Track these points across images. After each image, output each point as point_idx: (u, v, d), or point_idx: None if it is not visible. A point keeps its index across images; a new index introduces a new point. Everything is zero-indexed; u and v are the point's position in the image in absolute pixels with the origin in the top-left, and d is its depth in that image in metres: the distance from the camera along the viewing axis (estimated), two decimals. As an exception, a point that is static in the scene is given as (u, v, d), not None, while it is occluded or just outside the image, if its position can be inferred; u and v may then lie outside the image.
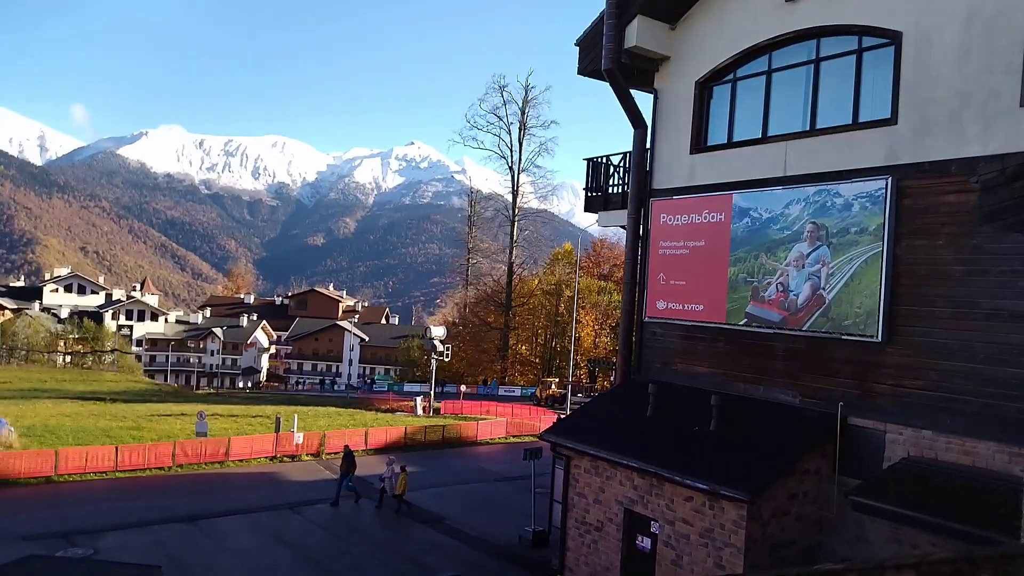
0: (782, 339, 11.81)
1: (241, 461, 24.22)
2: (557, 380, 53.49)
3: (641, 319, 14.48)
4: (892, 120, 10.57)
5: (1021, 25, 9.22)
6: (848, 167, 11.03)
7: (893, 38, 10.66)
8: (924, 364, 9.95)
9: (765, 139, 12.55)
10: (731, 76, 13.37)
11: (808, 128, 11.92)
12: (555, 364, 62.24)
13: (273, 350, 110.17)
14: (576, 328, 53.50)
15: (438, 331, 44.27)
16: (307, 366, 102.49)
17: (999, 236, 8.81)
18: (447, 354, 44.03)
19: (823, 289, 11.12)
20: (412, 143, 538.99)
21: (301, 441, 25.93)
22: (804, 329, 11.35)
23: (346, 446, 21.78)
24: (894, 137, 10.51)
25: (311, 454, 25.94)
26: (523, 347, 66.54)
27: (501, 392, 56.03)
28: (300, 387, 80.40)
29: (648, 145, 14.60)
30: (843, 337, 10.83)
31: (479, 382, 60.10)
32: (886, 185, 10.41)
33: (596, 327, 62.42)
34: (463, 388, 52.23)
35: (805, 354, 11.50)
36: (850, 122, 11.28)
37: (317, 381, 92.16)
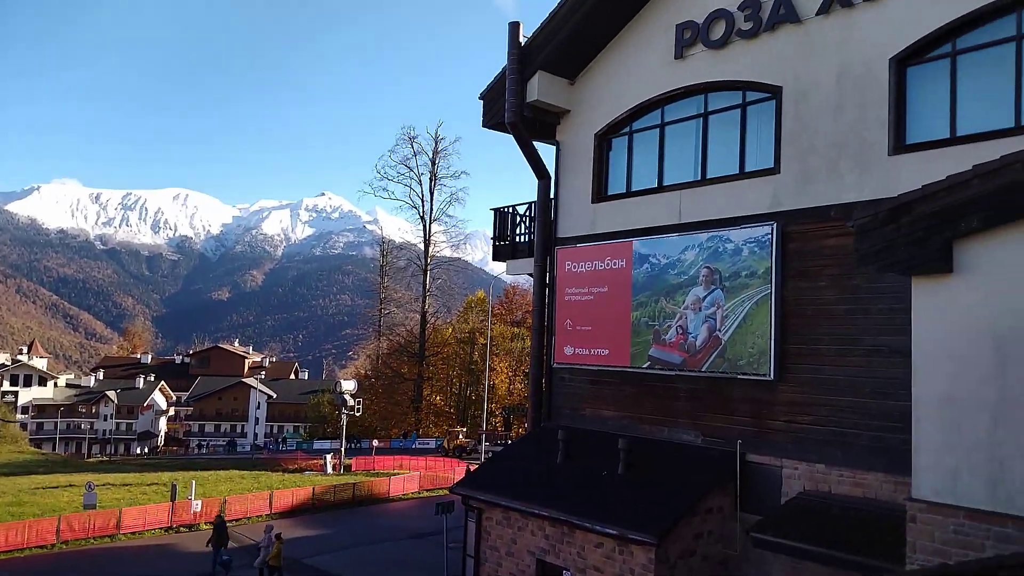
0: (683, 380, 12.10)
1: (134, 534, 22.57)
2: (464, 429, 52.92)
3: (550, 365, 14.56)
4: (776, 169, 11.21)
5: (883, 81, 10.03)
6: (737, 214, 11.58)
7: (774, 93, 11.38)
8: (814, 400, 10.39)
9: (661, 188, 13.05)
10: (627, 129, 13.91)
11: (699, 178, 12.49)
12: (470, 413, 61.68)
13: (172, 412, 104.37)
14: (491, 376, 53.40)
15: (349, 385, 43.18)
16: (209, 427, 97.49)
17: (876, 276, 9.39)
18: (358, 408, 42.91)
19: (719, 331, 11.52)
20: (322, 194, 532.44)
21: (200, 509, 24.43)
22: (703, 370, 11.68)
23: (219, 515, 19.97)
24: (778, 185, 11.13)
25: (210, 522, 24.45)
26: (438, 397, 65.69)
27: (416, 445, 54.88)
28: (202, 450, 76.25)
29: (552, 195, 14.93)
30: (739, 376, 11.21)
31: (392, 435, 58.73)
32: (772, 231, 10.97)
33: (510, 374, 62.45)
34: (376, 443, 50.88)
35: (705, 394, 11.82)
36: (737, 172, 11.89)
37: (221, 443, 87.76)
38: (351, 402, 41.35)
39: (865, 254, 7.71)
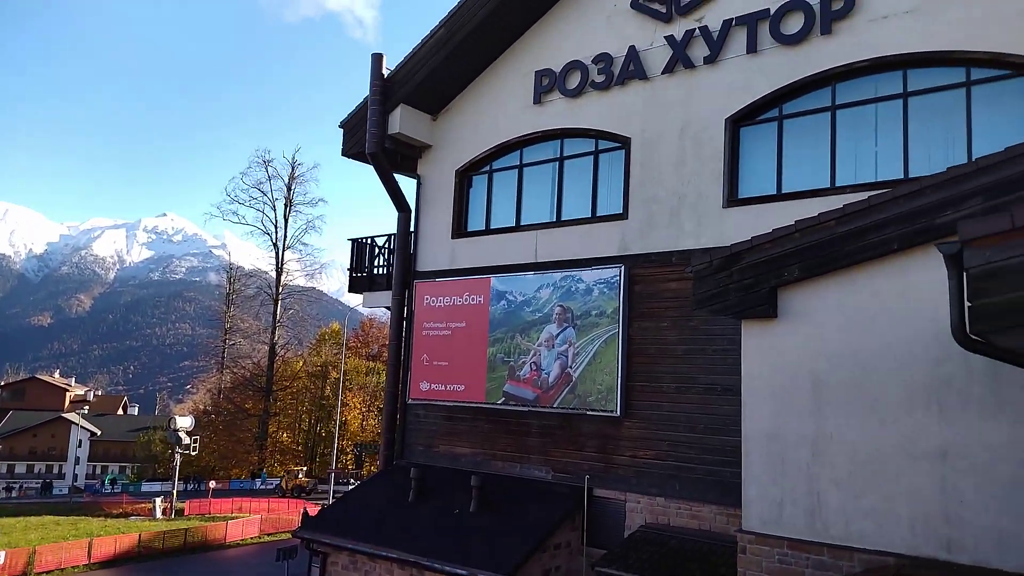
0: (536, 416, 12.32)
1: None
2: (304, 468, 50.80)
3: (405, 401, 14.33)
4: (624, 215, 11.81)
5: (719, 139, 10.91)
6: (589, 255, 12.06)
7: (624, 143, 12.05)
8: (655, 435, 10.91)
9: (519, 227, 13.37)
10: (488, 167, 14.18)
11: (555, 219, 12.93)
12: (319, 451, 59.29)
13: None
14: (343, 411, 51.74)
15: (185, 421, 40.18)
16: (21, 467, 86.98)
17: (711, 319, 10.06)
18: (195, 446, 40.02)
19: (570, 368, 11.87)
20: (165, 215, 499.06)
21: (3, 561, 21.65)
22: (555, 406, 11.96)
23: (25, 571, 18.04)
24: (626, 230, 11.73)
25: None
26: (284, 435, 62.60)
27: (262, 485, 51.82)
28: (11, 493, 67.85)
29: (412, 228, 14.87)
30: (588, 412, 11.57)
31: (233, 476, 55.18)
32: (620, 273, 11.51)
33: (364, 409, 60.82)
34: (213, 484, 47.56)
35: (556, 430, 12.08)
36: (590, 215, 12.42)
37: (36, 485, 78.52)
38: (187, 440, 38.48)
39: (701, 298, 8.24)
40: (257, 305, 63.38)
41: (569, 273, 12.16)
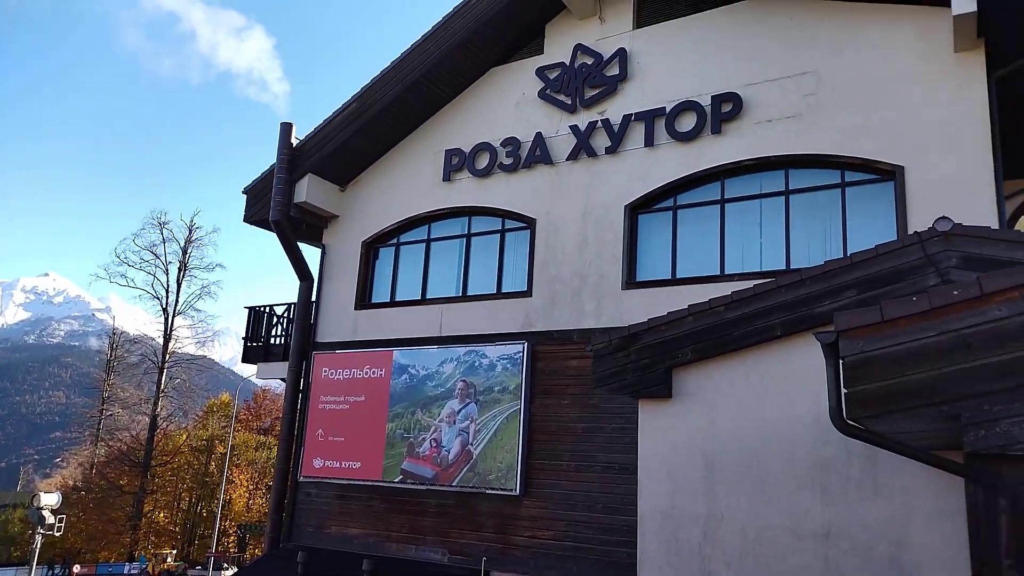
0: (434, 495, 12.00)
1: None
2: (174, 552, 47.23)
3: (296, 478, 13.67)
4: (528, 292, 12.02)
5: (619, 224, 11.39)
6: (493, 331, 12.14)
7: (529, 223, 12.38)
8: (554, 515, 10.83)
9: (424, 301, 13.34)
10: (395, 240, 14.19)
11: (461, 294, 13.00)
12: (200, 532, 55.26)
13: None
14: (228, 489, 48.70)
15: (50, 498, 36.43)
16: None
17: (610, 398, 10.25)
18: (60, 526, 36.43)
19: (471, 445, 11.72)
20: (46, 274, 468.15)
21: None
22: (454, 485, 11.71)
23: None
24: (530, 307, 11.92)
25: None
26: (161, 514, 58.02)
27: (126, 571, 47.45)
28: None
29: (314, 298, 14.56)
30: (487, 491, 11.39)
31: (101, 559, 50.42)
32: (523, 349, 11.62)
33: (251, 487, 57.46)
34: (77, 568, 43.29)
35: (454, 510, 11.79)
36: (495, 292, 12.58)
37: None
38: (51, 519, 35.00)
39: (600, 377, 8.40)
40: (140, 373, 59.48)
41: (473, 348, 12.17)
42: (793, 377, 7.20)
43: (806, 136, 10.18)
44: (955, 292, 4.60)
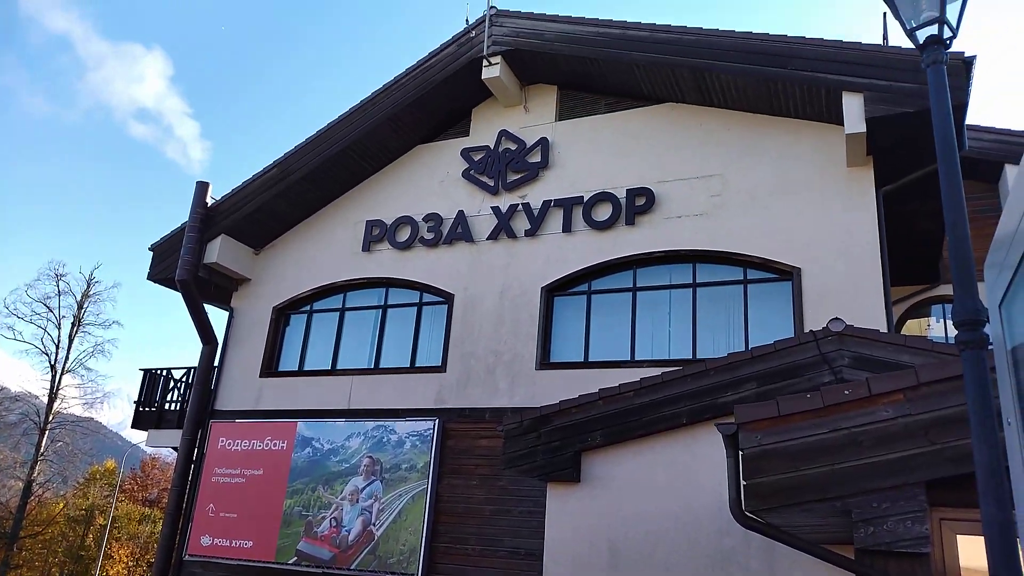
0: (331, 579, 11.40)
1: None
2: None
3: (181, 557, 12.74)
4: (442, 368, 11.92)
5: (535, 305, 11.55)
6: (404, 406, 11.92)
7: (447, 298, 12.39)
8: (456, 602, 10.45)
9: (334, 371, 13.00)
10: (308, 307, 13.89)
11: (373, 366, 12.75)
12: (67, 613, 50.20)
13: None
14: (104, 565, 44.75)
15: None
16: None
17: (518, 480, 10.15)
18: (-100, 606, 32.42)
19: (373, 525, 11.27)
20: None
21: None
22: (352, 568, 11.17)
23: None
24: (443, 383, 11.80)
25: None
26: (26, 592, 52.68)
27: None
28: None
29: (217, 363, 13.96)
30: (388, 575, 10.92)
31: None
32: (434, 426, 11.42)
33: (132, 564, 53.04)
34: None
35: (352, 595, 11.21)
36: (408, 365, 12.41)
37: None
38: None
39: (511, 458, 8.33)
40: (18, 434, 54.85)
41: (382, 423, 11.87)
42: (697, 466, 7.34)
43: (712, 233, 10.74)
44: (846, 392, 4.86)
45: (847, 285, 9.62)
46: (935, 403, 4.69)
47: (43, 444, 50.22)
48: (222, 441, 13.04)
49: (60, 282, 52.92)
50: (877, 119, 9.28)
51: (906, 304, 13.59)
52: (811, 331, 7.08)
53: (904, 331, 13.57)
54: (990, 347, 2.74)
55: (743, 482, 4.90)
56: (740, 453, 4.91)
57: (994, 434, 3.05)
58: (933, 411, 4.68)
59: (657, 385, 7.65)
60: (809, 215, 10.22)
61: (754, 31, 10.50)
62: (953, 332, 11.71)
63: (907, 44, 8.19)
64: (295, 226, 14.28)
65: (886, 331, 8.91)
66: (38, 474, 50.22)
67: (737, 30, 10.54)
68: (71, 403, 54.18)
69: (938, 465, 4.56)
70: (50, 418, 50.85)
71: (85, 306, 53.37)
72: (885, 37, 12.26)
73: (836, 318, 6.97)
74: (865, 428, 4.81)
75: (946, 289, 13.25)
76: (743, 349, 9.77)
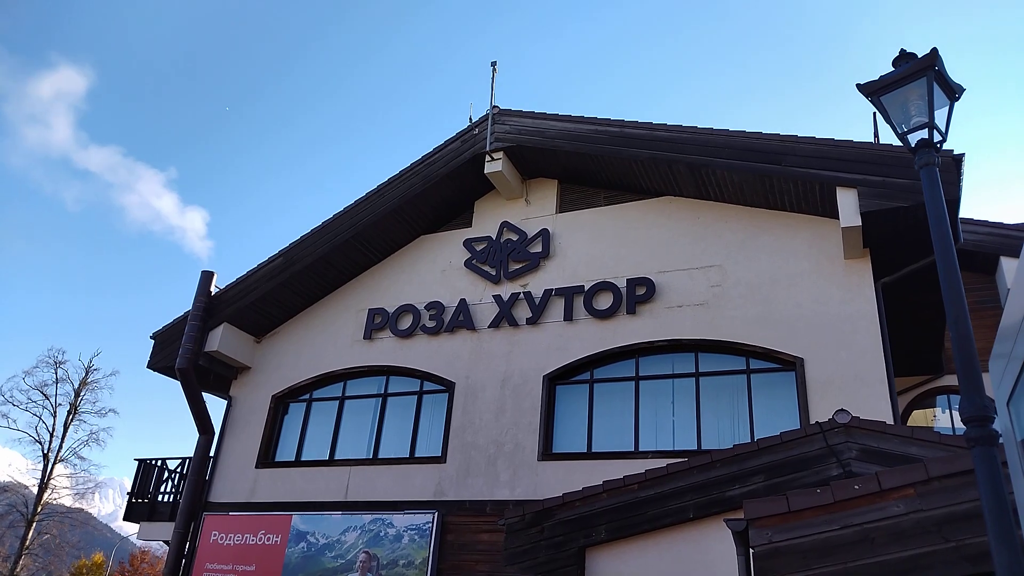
0: None
1: None
2: None
3: (165, 660, 12.14)
4: (442, 458, 11.71)
5: (537, 393, 11.46)
6: (402, 498, 11.63)
7: (448, 387, 12.30)
8: None
9: (332, 462, 12.77)
10: (308, 396, 13.78)
11: (371, 456, 12.53)
12: None
13: None
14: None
15: None
16: None
17: (520, 577, 9.78)
18: None
19: (369, 626, 10.79)
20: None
21: None
22: (346, 672, 10.63)
23: None
24: (443, 474, 11.56)
25: None
26: None
27: None
28: None
29: (212, 453, 13.72)
30: None
31: None
32: (433, 520, 11.11)
33: (111, 667, 50.36)
34: None
35: None
36: (407, 456, 12.19)
37: None
38: None
39: (512, 554, 8.10)
40: (4, 527, 53.22)
41: (380, 516, 11.55)
42: (705, 563, 7.11)
43: (713, 323, 10.78)
44: (856, 487, 4.78)
45: (851, 375, 9.58)
46: (947, 498, 4.61)
47: (29, 536, 48.64)
48: (214, 535, 12.66)
49: (59, 369, 52.62)
50: (872, 213, 9.49)
51: (911, 395, 13.49)
52: (817, 422, 7.01)
53: (910, 422, 13.41)
54: (1000, 442, 2.72)
55: (755, 581, 4.75)
56: (751, 551, 4.78)
57: (1012, 533, 2.98)
58: (945, 506, 4.59)
59: (662, 478, 7.51)
60: (809, 306, 10.29)
61: (748, 130, 10.88)
62: (960, 423, 11.58)
63: (898, 141, 8.49)
64: (297, 314, 14.35)
65: (892, 423, 8.82)
66: (21, 569, 48.42)
67: (732, 128, 10.92)
68: (62, 493, 52.77)
69: (954, 564, 4.44)
70: (39, 509, 49.45)
71: (82, 394, 52.82)
72: (876, 134, 12.68)
73: (842, 409, 6.92)
74: (877, 524, 4.70)
75: (951, 379, 13.18)
76: (748, 440, 9.65)
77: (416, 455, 12.15)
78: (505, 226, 13.13)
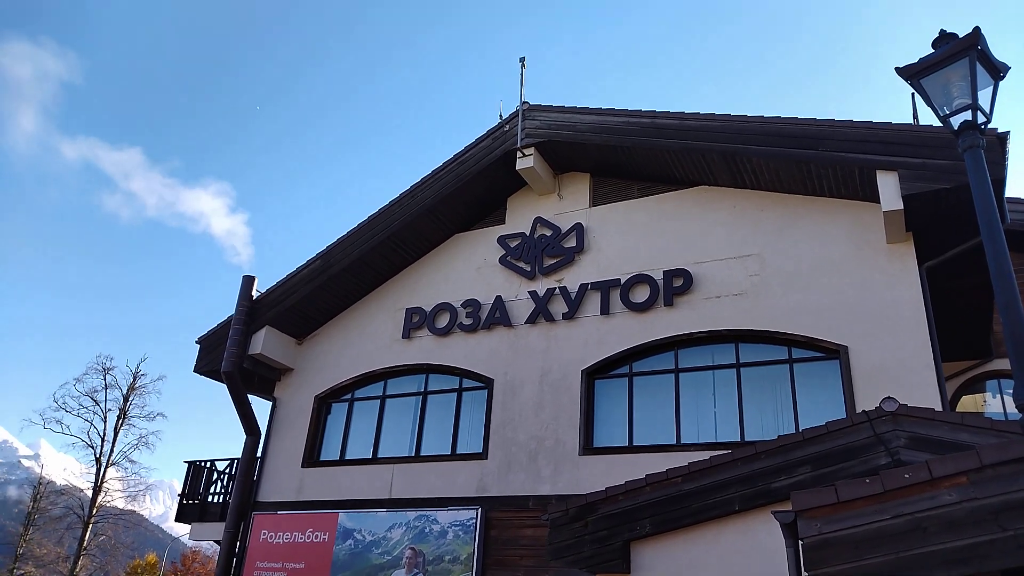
0: None
1: None
2: None
3: (221, 656, 12.46)
4: (484, 455, 11.78)
5: (576, 388, 11.46)
6: (446, 495, 11.74)
7: (487, 383, 12.37)
8: None
9: (375, 460, 12.94)
10: (350, 395, 13.98)
11: (414, 454, 12.68)
12: None
13: None
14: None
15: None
16: None
17: (564, 571, 9.81)
18: None
19: (417, 621, 10.93)
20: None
21: None
22: (396, 667, 10.79)
23: None
24: (485, 471, 11.64)
25: None
26: None
27: None
28: None
29: (259, 454, 14.02)
30: (433, 676, 10.50)
31: None
32: (477, 516, 11.20)
33: (168, 663, 51.78)
34: None
35: None
36: (450, 452, 12.30)
37: None
38: None
39: (556, 548, 8.11)
40: (62, 528, 55.01)
41: (424, 513, 11.69)
42: (753, 555, 7.04)
43: (753, 313, 10.65)
44: (906, 475, 4.70)
45: (897, 362, 9.39)
46: (1002, 486, 4.50)
47: (87, 538, 50.21)
48: (264, 534, 12.94)
49: (107, 376, 54.16)
50: (914, 196, 9.27)
51: (959, 380, 13.16)
52: (864, 411, 6.89)
53: (959, 408, 13.09)
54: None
55: (804, 573, 4.70)
56: (800, 542, 4.74)
57: (1070, 521, 2.92)
58: (1001, 494, 4.49)
59: (706, 470, 7.45)
60: (851, 293, 10.10)
61: (782, 115, 10.70)
62: (1012, 408, 11.30)
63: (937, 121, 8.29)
64: (336, 315, 14.56)
65: (941, 409, 8.63)
66: (80, 569, 50.00)
67: (766, 115, 10.75)
68: (114, 496, 54.37)
69: (1012, 553, 4.34)
70: (94, 511, 51.00)
71: (131, 399, 54.30)
72: (915, 116, 12.38)
73: (889, 397, 6.79)
74: (929, 513, 4.62)
75: (1001, 363, 12.83)
76: (792, 430, 9.53)
77: (458, 452, 12.25)
78: (538, 222, 13.13)
